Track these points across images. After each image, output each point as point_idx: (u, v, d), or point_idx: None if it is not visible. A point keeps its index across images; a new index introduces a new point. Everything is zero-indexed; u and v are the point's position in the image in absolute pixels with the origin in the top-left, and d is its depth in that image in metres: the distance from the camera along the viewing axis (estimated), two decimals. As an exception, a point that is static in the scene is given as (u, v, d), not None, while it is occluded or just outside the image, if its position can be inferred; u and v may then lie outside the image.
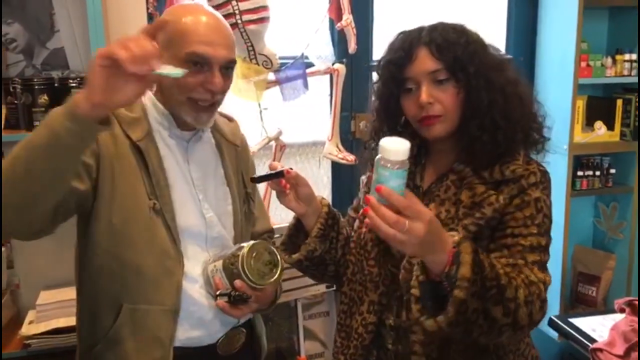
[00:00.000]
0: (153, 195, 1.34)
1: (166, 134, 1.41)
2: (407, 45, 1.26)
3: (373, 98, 1.39)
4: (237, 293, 1.34)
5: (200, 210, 1.43)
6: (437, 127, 1.27)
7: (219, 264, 1.37)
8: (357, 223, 1.44)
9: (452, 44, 1.24)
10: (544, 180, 1.27)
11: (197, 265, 1.41)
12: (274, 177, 1.33)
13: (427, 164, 1.38)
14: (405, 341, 1.30)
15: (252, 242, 1.38)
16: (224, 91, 1.38)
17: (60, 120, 1.03)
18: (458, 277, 1.07)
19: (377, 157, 1.06)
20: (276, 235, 2.25)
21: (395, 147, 1.04)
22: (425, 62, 1.24)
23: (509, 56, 1.34)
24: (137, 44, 1.00)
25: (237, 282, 1.34)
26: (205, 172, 1.47)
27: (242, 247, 1.37)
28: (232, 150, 1.55)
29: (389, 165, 1.04)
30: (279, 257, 1.39)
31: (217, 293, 1.37)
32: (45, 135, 1.05)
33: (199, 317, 1.40)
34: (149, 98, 1.41)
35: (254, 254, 1.35)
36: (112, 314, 1.34)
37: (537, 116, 1.32)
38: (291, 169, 1.34)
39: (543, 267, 1.22)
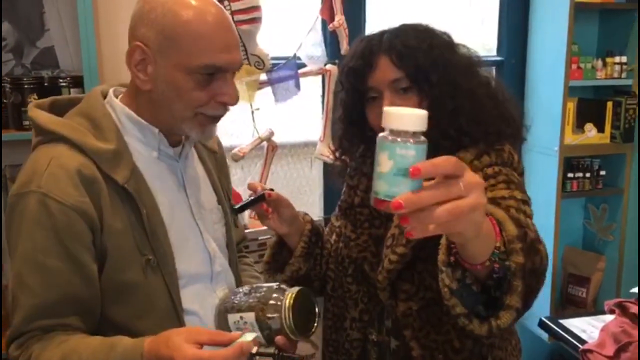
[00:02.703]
0: (147, 247, 1.09)
1: (154, 155, 1.15)
2: (367, 52, 1.20)
3: (338, 106, 1.31)
4: (284, 354, 1.09)
5: (202, 244, 1.21)
6: None
7: (250, 316, 1.11)
8: (334, 237, 1.39)
9: (413, 51, 1.17)
10: (503, 160, 1.19)
11: (206, 314, 1.17)
12: (256, 202, 1.24)
13: None
14: (388, 356, 1.28)
15: (290, 290, 1.12)
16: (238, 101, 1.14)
17: None
18: (507, 240, 0.86)
19: (383, 134, 0.71)
20: (267, 237, 2.26)
21: (411, 112, 0.71)
22: (386, 70, 1.18)
23: (477, 55, 1.28)
24: None
25: (280, 340, 1.09)
26: (199, 193, 1.24)
27: (280, 293, 1.11)
28: (212, 159, 1.34)
29: (408, 139, 0.69)
30: (315, 301, 1.16)
31: (256, 352, 1.08)
32: None
33: None
34: (123, 112, 1.13)
35: (298, 306, 1.09)
36: None
37: (513, 114, 1.26)
38: (272, 189, 1.26)
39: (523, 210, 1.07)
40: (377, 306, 1.29)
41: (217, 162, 1.36)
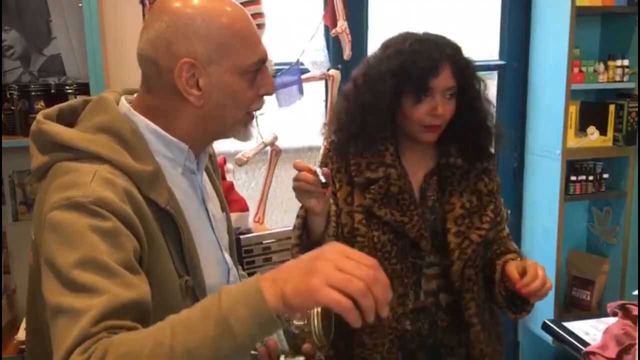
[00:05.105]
0: (183, 270, 1.04)
1: (179, 172, 1.09)
2: (435, 57, 1.40)
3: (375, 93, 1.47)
4: None
5: (221, 257, 1.18)
6: (435, 134, 1.47)
7: None
8: (362, 229, 1.46)
9: (467, 68, 1.45)
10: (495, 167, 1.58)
11: None
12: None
13: (405, 166, 1.52)
14: (425, 320, 1.49)
15: None
16: None
17: (249, 330, 0.80)
18: None
19: None
20: (271, 241, 2.27)
21: None
22: (447, 78, 1.41)
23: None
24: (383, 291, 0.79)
25: (308, 347, 1.09)
26: (212, 204, 1.21)
27: None
28: (209, 162, 1.27)
29: None
30: None
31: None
32: (223, 343, 0.79)
33: None
34: (146, 128, 1.06)
35: (323, 312, 1.06)
36: None
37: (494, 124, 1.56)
38: (323, 168, 1.31)
39: None
40: (413, 275, 1.48)
41: (213, 165, 1.31)
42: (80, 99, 1.14)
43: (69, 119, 1.09)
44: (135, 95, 1.13)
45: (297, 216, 1.45)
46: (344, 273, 0.78)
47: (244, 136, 1.13)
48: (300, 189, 1.30)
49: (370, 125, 1.46)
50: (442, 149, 1.52)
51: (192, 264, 1.05)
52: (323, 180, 1.27)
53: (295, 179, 1.30)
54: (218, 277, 1.15)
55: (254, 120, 1.14)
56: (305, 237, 1.43)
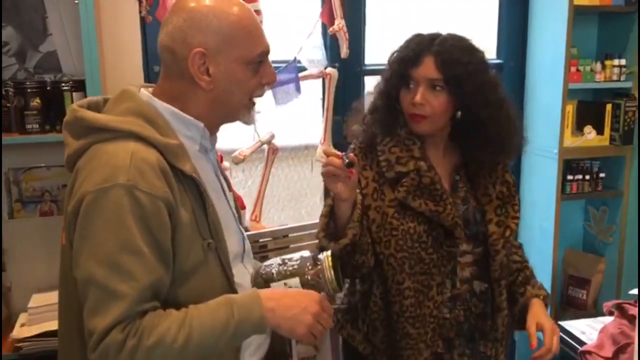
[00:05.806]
0: (207, 232, 1.19)
1: (195, 149, 1.23)
2: (418, 49, 1.48)
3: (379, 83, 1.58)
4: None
5: (237, 226, 1.34)
6: (422, 125, 1.51)
7: (294, 281, 1.27)
8: (395, 222, 1.51)
9: (455, 61, 1.46)
10: (509, 164, 1.69)
11: (249, 288, 1.28)
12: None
13: (431, 159, 1.56)
14: (460, 306, 1.55)
15: (324, 253, 1.29)
16: None
17: (248, 334, 1.16)
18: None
19: None
20: (267, 239, 2.27)
21: None
22: (428, 69, 1.47)
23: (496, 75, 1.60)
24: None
25: (324, 297, 1.25)
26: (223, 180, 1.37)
27: (314, 258, 1.28)
28: None
29: None
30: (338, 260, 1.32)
31: None
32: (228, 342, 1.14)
33: (258, 344, 1.31)
34: (166, 111, 1.20)
35: (334, 264, 1.26)
36: None
37: (521, 129, 1.62)
38: (350, 154, 1.39)
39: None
40: (449, 264, 1.53)
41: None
42: (100, 97, 1.29)
43: (95, 111, 1.22)
44: (150, 88, 1.27)
45: (325, 205, 1.52)
46: (320, 325, 1.19)
47: (248, 120, 1.28)
48: (329, 173, 1.38)
49: (385, 107, 1.55)
50: (466, 143, 1.59)
51: (214, 227, 1.20)
52: (347, 160, 1.36)
53: (324, 165, 1.39)
54: (236, 245, 1.30)
55: (254, 106, 1.28)
56: (332, 225, 1.49)
